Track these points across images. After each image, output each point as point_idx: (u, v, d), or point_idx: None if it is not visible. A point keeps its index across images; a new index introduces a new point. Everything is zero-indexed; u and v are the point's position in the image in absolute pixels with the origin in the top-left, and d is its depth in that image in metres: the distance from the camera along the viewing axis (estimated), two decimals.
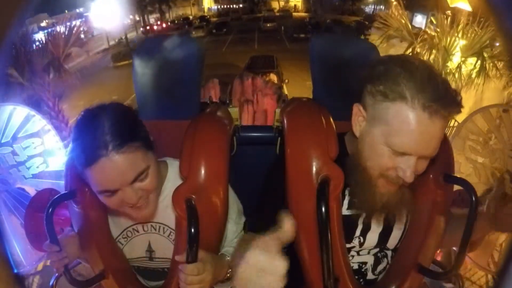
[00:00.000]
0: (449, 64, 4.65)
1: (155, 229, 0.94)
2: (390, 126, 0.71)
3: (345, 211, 0.86)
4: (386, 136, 0.72)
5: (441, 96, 0.67)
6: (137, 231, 0.95)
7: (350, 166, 0.81)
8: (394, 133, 0.70)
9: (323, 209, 0.73)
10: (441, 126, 0.69)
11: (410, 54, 4.94)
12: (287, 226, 0.51)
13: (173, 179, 0.92)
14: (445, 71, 4.64)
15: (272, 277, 0.50)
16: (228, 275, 0.86)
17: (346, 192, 0.86)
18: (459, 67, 4.58)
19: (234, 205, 0.99)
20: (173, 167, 0.95)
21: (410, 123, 0.68)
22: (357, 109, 0.79)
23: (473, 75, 4.49)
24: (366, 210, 0.83)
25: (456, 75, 4.60)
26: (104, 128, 0.74)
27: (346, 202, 0.86)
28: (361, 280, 0.93)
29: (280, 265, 0.50)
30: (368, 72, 0.76)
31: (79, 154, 0.76)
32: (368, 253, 0.91)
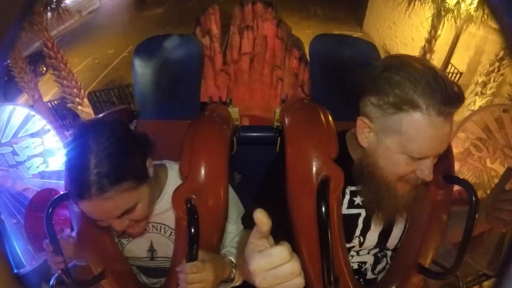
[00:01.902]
0: (448, 0, 4.64)
1: (157, 229, 0.94)
2: (405, 135, 0.70)
3: (345, 210, 0.86)
4: (402, 145, 0.71)
5: (450, 97, 0.67)
6: None
7: (361, 177, 0.80)
8: (411, 141, 0.70)
9: (323, 209, 0.73)
10: (451, 123, 0.71)
11: None
12: (260, 223, 0.50)
13: (173, 183, 0.92)
14: (444, 7, 4.61)
15: (285, 265, 0.50)
16: (232, 275, 0.86)
17: (347, 191, 0.86)
18: (458, 3, 4.59)
19: (235, 205, 0.99)
20: (173, 170, 0.94)
21: (427, 130, 0.68)
22: (361, 122, 0.77)
23: (471, 11, 4.46)
24: (388, 214, 0.83)
25: (455, 12, 4.59)
26: (90, 166, 0.70)
27: (346, 201, 0.86)
28: (361, 279, 0.93)
29: (281, 251, 0.51)
30: (369, 84, 0.74)
31: (68, 185, 0.75)
32: (368, 253, 0.91)
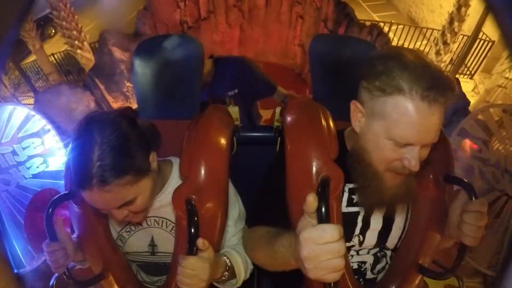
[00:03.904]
0: None
1: (158, 224, 0.95)
2: (390, 119, 0.71)
3: (344, 209, 0.86)
4: (387, 130, 0.72)
5: (437, 84, 0.67)
6: (141, 225, 0.95)
7: (352, 161, 0.81)
8: (395, 125, 0.70)
9: (323, 209, 0.73)
10: (439, 113, 0.70)
11: None
12: (308, 203, 0.59)
13: (177, 176, 0.93)
14: None
15: (333, 244, 0.55)
16: (224, 278, 0.86)
17: (346, 189, 0.86)
18: None
19: (235, 205, 0.99)
20: (177, 165, 0.95)
21: (410, 114, 0.68)
22: (354, 106, 0.79)
23: None
24: (374, 205, 0.83)
25: None
26: (93, 159, 0.71)
27: (345, 199, 0.86)
28: (361, 279, 0.93)
29: (333, 229, 0.56)
30: (363, 69, 0.76)
31: (71, 174, 0.76)
32: (368, 252, 0.92)
